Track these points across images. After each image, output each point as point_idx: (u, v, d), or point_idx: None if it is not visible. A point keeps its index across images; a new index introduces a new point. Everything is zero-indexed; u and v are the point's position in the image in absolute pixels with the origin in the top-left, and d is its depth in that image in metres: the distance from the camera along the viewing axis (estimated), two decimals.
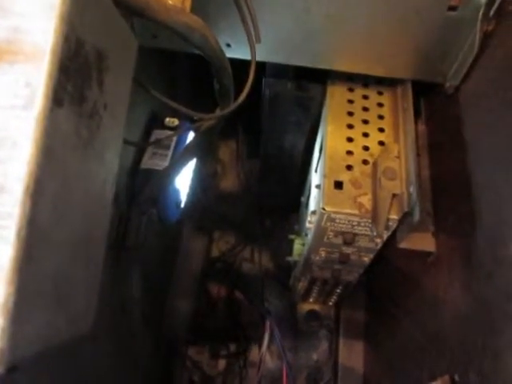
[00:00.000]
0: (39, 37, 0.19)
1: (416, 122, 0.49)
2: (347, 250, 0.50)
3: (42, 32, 0.19)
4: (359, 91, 0.52)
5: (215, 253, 0.84)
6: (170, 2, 0.29)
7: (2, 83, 0.19)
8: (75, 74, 0.20)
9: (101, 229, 0.27)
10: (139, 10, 0.27)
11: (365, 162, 0.47)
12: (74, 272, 0.23)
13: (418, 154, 0.49)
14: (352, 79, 0.52)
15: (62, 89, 0.19)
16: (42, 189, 0.19)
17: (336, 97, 0.52)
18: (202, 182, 0.79)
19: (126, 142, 0.32)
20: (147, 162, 0.50)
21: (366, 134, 0.49)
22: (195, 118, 0.38)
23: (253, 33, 0.36)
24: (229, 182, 0.87)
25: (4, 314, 0.18)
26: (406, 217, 0.44)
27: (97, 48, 0.22)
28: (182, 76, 0.67)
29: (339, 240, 0.49)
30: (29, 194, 0.18)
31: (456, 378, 0.38)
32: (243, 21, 0.35)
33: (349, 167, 0.47)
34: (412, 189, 0.44)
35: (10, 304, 0.18)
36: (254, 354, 0.75)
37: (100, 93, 0.23)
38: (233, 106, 0.35)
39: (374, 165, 0.46)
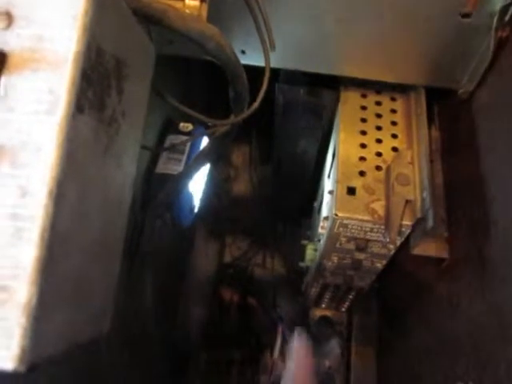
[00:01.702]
0: (62, 46, 0.19)
1: (429, 128, 0.49)
2: (360, 255, 0.50)
3: (65, 41, 0.19)
4: (372, 97, 0.52)
5: (228, 258, 0.84)
6: (187, 11, 0.29)
7: (26, 90, 0.19)
8: (96, 82, 0.21)
9: (119, 232, 0.27)
10: (157, 19, 0.27)
11: (378, 168, 0.47)
12: (93, 273, 0.24)
13: (432, 160, 0.49)
14: (365, 85, 0.52)
15: (83, 96, 0.20)
16: (64, 192, 0.20)
17: (349, 103, 0.52)
18: (215, 186, 0.80)
19: (141, 147, 0.33)
20: (162, 167, 0.51)
21: (379, 140, 0.49)
22: (209, 123, 0.38)
23: (267, 40, 0.36)
24: (241, 187, 0.88)
25: (26, 314, 0.18)
26: (419, 223, 0.44)
27: (116, 57, 0.22)
28: (197, 82, 0.67)
29: (352, 246, 0.49)
30: (52, 198, 0.19)
31: None
32: (258, 29, 0.35)
33: (362, 173, 0.47)
34: (425, 195, 0.44)
35: (33, 304, 0.19)
36: (266, 359, 0.75)
37: (119, 100, 0.24)
38: (247, 112, 0.36)
39: (387, 171, 0.46)
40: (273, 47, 0.36)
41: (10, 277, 0.19)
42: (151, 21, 0.27)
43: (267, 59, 0.36)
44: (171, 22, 0.28)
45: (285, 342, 0.70)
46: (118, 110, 0.24)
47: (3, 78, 0.19)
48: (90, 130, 0.21)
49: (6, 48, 0.19)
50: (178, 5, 0.29)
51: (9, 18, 0.19)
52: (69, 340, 0.22)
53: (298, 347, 0.36)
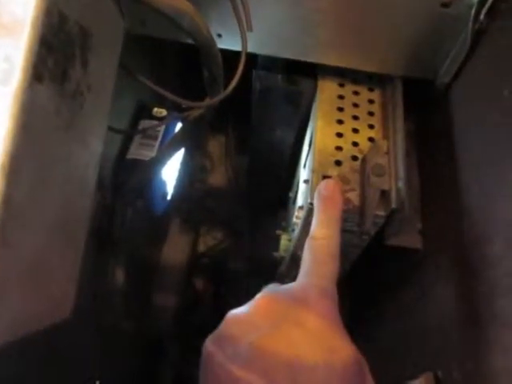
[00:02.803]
0: (19, 9, 0.18)
1: (406, 119, 0.49)
2: None
3: (23, 4, 0.18)
4: (350, 87, 0.52)
5: (202, 248, 0.83)
6: None
7: None
8: (57, 50, 0.19)
9: (82, 214, 0.26)
10: None
11: (354, 157, 0.47)
12: (52, 256, 0.22)
13: (408, 152, 0.49)
14: (343, 74, 0.52)
15: (42, 64, 0.18)
16: (18, 168, 0.18)
17: (326, 92, 0.51)
18: (190, 175, 0.78)
19: (111, 129, 0.32)
20: (134, 152, 0.49)
21: (355, 130, 0.49)
22: (183, 105, 0.37)
23: (244, 22, 0.35)
24: (217, 177, 0.86)
25: None
26: (394, 213, 0.44)
27: (81, 25, 0.21)
28: (170, 65, 0.66)
29: None
30: (4, 174, 0.18)
31: (439, 374, 0.38)
32: (235, 9, 0.34)
33: (338, 162, 0.47)
34: (400, 185, 0.44)
35: None
36: None
37: (84, 73, 0.22)
38: (222, 94, 0.35)
39: (363, 161, 0.46)
40: (249, 28, 0.35)
41: None
42: None
43: (244, 41, 0.35)
44: None
45: None
46: (83, 83, 0.22)
47: None
48: (50, 101, 0.20)
49: None
50: None
51: None
52: (26, 325, 0.21)
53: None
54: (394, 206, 0.43)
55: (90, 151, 0.25)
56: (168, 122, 0.49)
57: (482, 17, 0.41)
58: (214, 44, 0.32)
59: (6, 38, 0.18)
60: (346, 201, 0.44)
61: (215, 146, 0.88)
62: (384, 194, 0.44)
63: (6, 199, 0.18)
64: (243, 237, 0.82)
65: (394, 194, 0.44)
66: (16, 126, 0.18)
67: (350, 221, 0.46)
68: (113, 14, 0.26)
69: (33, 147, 0.19)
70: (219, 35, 0.45)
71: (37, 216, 0.20)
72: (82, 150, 0.24)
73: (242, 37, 0.35)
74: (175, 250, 0.79)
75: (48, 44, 0.19)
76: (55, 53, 0.19)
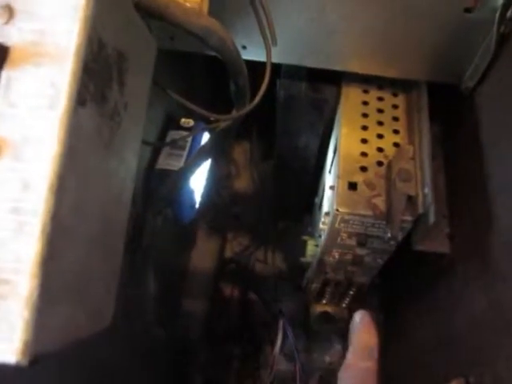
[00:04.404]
0: (63, 38, 0.19)
1: (431, 124, 0.49)
2: (361, 251, 0.50)
3: (67, 34, 0.19)
4: (374, 93, 0.52)
5: (228, 253, 0.84)
6: (188, 5, 0.29)
7: (29, 84, 0.19)
8: (97, 75, 0.21)
9: (119, 227, 0.27)
10: (158, 13, 0.27)
11: (379, 163, 0.47)
12: (94, 267, 0.24)
13: (433, 156, 0.49)
14: (367, 81, 0.52)
15: (84, 89, 0.20)
16: (65, 186, 0.20)
17: (350, 98, 0.52)
18: (216, 182, 0.80)
19: (143, 142, 0.33)
20: (162, 163, 0.51)
21: (380, 136, 0.49)
22: (211, 119, 0.38)
23: (269, 35, 0.36)
24: (243, 183, 0.87)
25: (29, 307, 0.18)
26: (420, 218, 0.44)
27: (118, 49, 0.22)
28: (198, 77, 0.67)
29: (353, 241, 0.49)
30: (53, 192, 0.19)
31: (471, 380, 0.38)
32: (259, 24, 0.35)
33: (363, 168, 0.47)
34: (427, 190, 0.44)
35: (35, 297, 0.19)
36: (266, 354, 0.75)
37: (120, 93, 0.24)
38: (248, 107, 0.36)
39: (389, 166, 0.46)
40: (274, 42, 0.36)
41: (12, 270, 0.19)
42: (153, 15, 0.27)
43: (269, 54, 0.36)
44: (173, 16, 0.27)
45: (286, 337, 0.70)
46: (120, 103, 0.24)
47: (5, 73, 0.19)
48: (91, 123, 0.21)
49: (8, 42, 0.19)
50: None
51: (10, 11, 0.19)
52: (70, 334, 0.22)
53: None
54: (420, 211, 0.43)
55: (127, 166, 0.27)
56: (195, 133, 0.50)
57: (507, 20, 0.41)
58: (240, 59, 0.33)
59: (52, 65, 0.19)
60: (373, 206, 0.45)
61: (240, 152, 0.89)
62: (410, 199, 0.44)
63: (54, 216, 0.19)
64: (269, 242, 0.83)
65: (420, 199, 0.44)
66: (62, 148, 0.19)
67: (377, 226, 0.46)
68: (145, 35, 0.27)
69: (76, 166, 0.20)
70: (244, 47, 0.46)
71: (80, 229, 0.22)
72: (119, 166, 0.25)
73: (266, 51, 0.35)
74: (203, 256, 0.80)
75: (89, 70, 0.20)
76: (95, 77, 0.20)
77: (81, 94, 0.20)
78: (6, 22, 0.19)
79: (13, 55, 0.19)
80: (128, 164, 0.26)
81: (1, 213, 0.19)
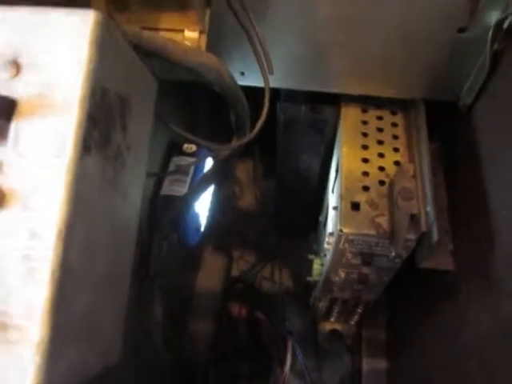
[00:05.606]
0: (68, 90, 0.20)
1: (430, 141, 0.49)
2: (366, 270, 0.51)
3: (71, 86, 0.20)
4: (373, 112, 0.53)
5: (235, 272, 0.84)
6: (187, 43, 0.30)
7: (35, 135, 0.20)
8: (101, 122, 0.21)
9: (126, 260, 0.28)
10: (157, 53, 0.28)
11: (381, 182, 0.48)
12: (102, 306, 0.24)
13: (434, 173, 0.49)
14: (365, 100, 0.53)
15: (89, 136, 0.20)
16: (72, 231, 0.20)
17: (350, 118, 0.52)
18: (220, 202, 0.80)
19: (146, 174, 0.33)
20: (167, 189, 0.51)
21: (381, 155, 0.49)
22: (213, 148, 0.39)
23: (265, 64, 0.37)
24: (246, 202, 0.88)
25: (40, 352, 0.19)
26: (424, 236, 0.44)
27: (120, 94, 0.23)
28: (199, 106, 0.68)
29: (358, 260, 0.49)
30: (61, 238, 0.19)
31: None
32: (256, 54, 0.36)
33: (365, 188, 0.47)
34: (429, 208, 0.44)
35: (46, 342, 0.19)
36: (276, 374, 0.75)
37: (123, 135, 0.24)
38: (248, 136, 0.36)
39: (391, 185, 0.47)
40: (271, 71, 0.36)
41: (23, 316, 0.19)
42: (152, 55, 0.28)
43: (266, 82, 0.37)
44: (171, 55, 0.28)
45: (295, 356, 0.70)
46: (123, 144, 0.24)
47: (14, 124, 0.20)
48: (96, 167, 0.22)
49: (16, 95, 0.20)
50: (178, 37, 0.30)
51: (17, 66, 0.20)
52: (80, 373, 0.23)
53: None
54: (423, 229, 0.44)
55: (131, 203, 0.27)
56: (199, 161, 0.51)
57: (499, 38, 0.42)
58: (237, 90, 0.34)
59: (58, 116, 0.20)
60: (376, 226, 0.45)
61: (243, 170, 0.90)
62: (413, 218, 0.44)
63: (63, 261, 0.20)
64: (275, 259, 0.83)
65: (423, 218, 0.44)
66: (69, 195, 0.20)
67: (382, 245, 0.46)
68: (146, 76, 0.28)
69: (83, 211, 0.21)
70: (242, 73, 0.47)
71: (89, 272, 0.22)
72: (124, 204, 0.26)
73: (264, 78, 0.36)
74: (209, 276, 0.80)
75: (93, 118, 0.21)
76: (99, 124, 0.21)
77: (86, 142, 0.20)
78: (14, 76, 0.20)
79: (20, 108, 0.20)
80: (133, 200, 0.27)
81: (11, 260, 0.20)
